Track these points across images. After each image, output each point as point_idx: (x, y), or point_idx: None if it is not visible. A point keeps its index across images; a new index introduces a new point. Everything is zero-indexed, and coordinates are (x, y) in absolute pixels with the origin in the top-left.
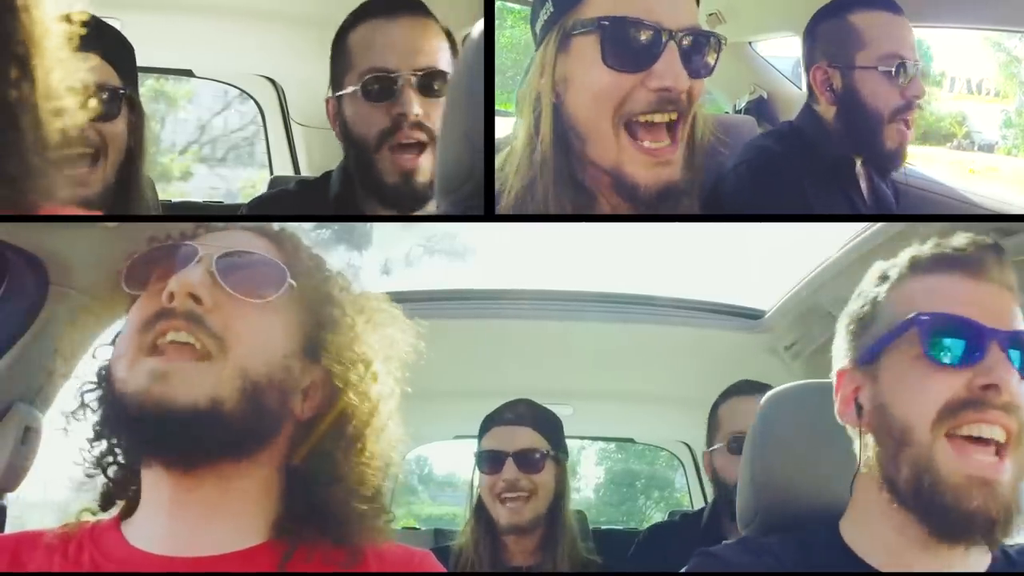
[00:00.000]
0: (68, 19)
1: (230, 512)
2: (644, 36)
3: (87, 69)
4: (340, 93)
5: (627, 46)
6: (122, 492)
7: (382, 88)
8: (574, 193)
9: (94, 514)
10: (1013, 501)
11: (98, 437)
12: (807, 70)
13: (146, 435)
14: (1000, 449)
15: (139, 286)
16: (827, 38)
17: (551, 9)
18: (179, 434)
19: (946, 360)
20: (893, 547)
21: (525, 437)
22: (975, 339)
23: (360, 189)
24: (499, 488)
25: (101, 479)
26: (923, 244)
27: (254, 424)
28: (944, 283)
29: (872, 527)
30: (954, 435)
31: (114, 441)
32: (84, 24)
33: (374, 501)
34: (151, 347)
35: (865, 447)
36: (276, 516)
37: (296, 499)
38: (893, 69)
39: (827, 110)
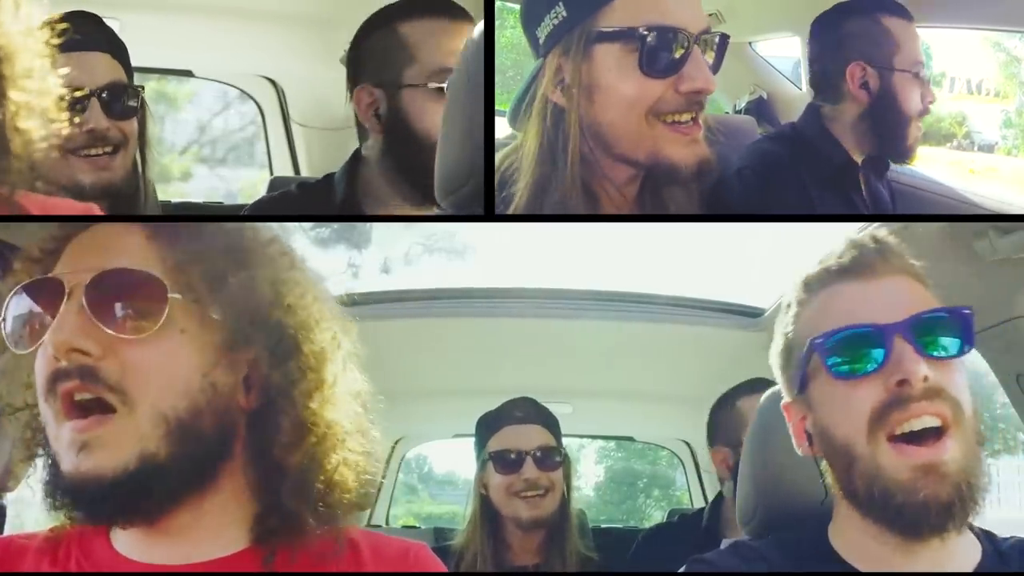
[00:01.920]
0: (53, 24)
1: (207, 532)
2: (675, 42)
3: (100, 69)
4: (404, 85)
5: (661, 53)
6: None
7: None
8: (585, 198)
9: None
10: (964, 479)
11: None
12: (822, 65)
13: (99, 510)
14: (941, 434)
15: (25, 344)
16: (861, 37)
17: (563, 14)
18: (126, 499)
19: (856, 372)
20: (875, 555)
21: (539, 435)
22: (875, 341)
23: (405, 180)
24: (517, 487)
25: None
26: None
27: (200, 456)
28: (834, 296)
29: (853, 538)
30: (892, 438)
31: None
32: (80, 24)
33: (337, 475)
34: (67, 410)
35: (825, 471)
36: (253, 517)
37: (268, 491)
38: (918, 73)
39: (849, 108)
